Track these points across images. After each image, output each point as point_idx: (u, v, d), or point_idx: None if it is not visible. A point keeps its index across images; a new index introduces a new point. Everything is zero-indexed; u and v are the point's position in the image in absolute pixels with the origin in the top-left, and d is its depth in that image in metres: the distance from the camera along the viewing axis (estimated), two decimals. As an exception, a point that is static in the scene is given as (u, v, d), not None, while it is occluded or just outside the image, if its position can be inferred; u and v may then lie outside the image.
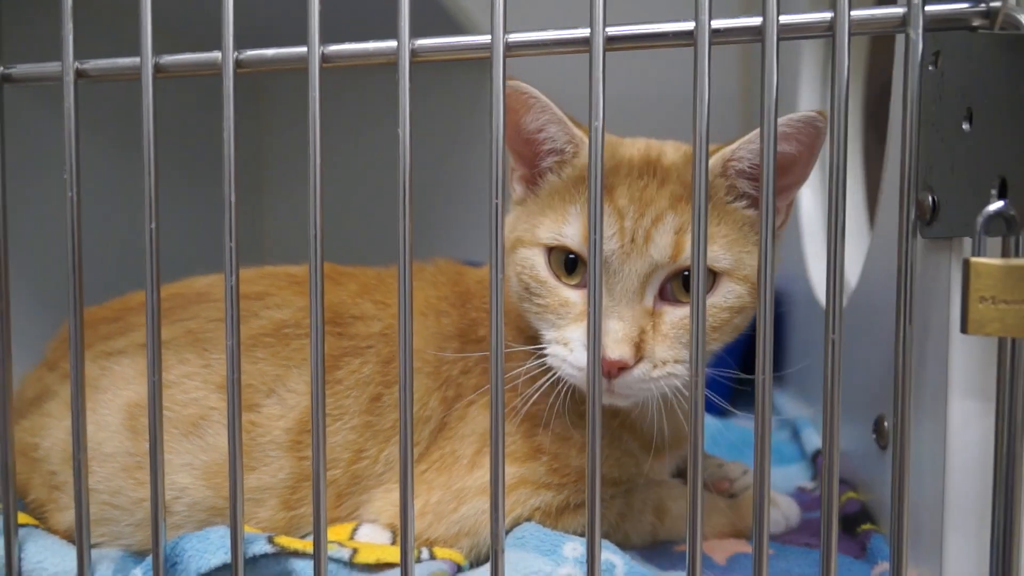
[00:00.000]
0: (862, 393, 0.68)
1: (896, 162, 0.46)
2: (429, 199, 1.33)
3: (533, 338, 0.57)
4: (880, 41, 0.92)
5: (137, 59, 0.49)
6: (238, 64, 0.48)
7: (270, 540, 0.51)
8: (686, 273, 0.51)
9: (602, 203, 0.43)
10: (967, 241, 0.45)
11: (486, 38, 0.45)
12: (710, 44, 0.42)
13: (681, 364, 0.51)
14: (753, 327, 0.42)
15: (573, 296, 0.53)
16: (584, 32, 0.43)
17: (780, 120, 0.49)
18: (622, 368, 0.50)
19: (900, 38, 0.50)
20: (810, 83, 1.05)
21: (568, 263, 0.54)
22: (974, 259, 0.37)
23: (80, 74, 0.50)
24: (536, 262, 0.55)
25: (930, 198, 0.46)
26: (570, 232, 0.53)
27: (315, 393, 0.47)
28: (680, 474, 0.65)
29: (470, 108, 1.35)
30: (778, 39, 0.41)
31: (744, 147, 0.52)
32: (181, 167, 1.18)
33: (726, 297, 0.53)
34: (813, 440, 0.83)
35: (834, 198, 0.41)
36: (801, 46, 1.04)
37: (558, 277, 0.54)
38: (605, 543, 0.51)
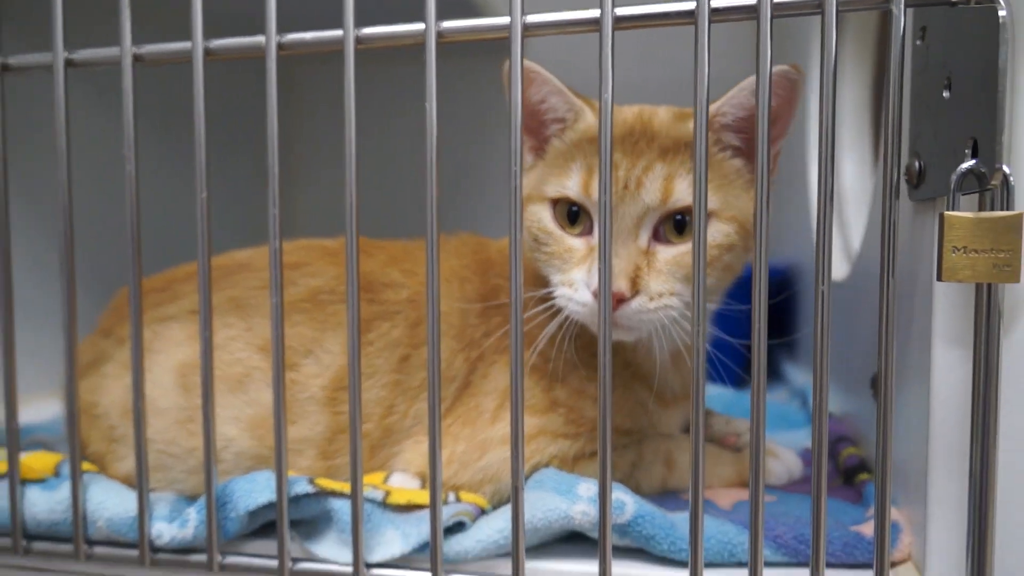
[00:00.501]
0: (862, 358, 0.72)
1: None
2: (448, 179, 1.39)
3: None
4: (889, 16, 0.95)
5: (188, 44, 0.54)
6: (280, 47, 0.52)
7: (311, 482, 0.56)
8: (677, 216, 0.57)
9: (611, 160, 0.47)
10: (951, 201, 0.49)
11: (505, 19, 0.49)
12: (709, 22, 0.46)
13: (676, 296, 0.56)
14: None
15: (576, 243, 0.59)
16: (595, 13, 0.48)
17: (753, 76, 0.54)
18: (621, 300, 0.55)
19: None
20: (852, 65, 1.06)
21: (571, 215, 0.59)
22: (947, 213, 0.41)
23: (137, 58, 0.55)
24: (543, 216, 0.60)
25: (917, 163, 0.50)
26: (571, 184, 0.59)
27: (352, 352, 0.52)
28: (688, 430, 0.69)
29: (483, 98, 1.40)
30: (772, 16, 0.45)
31: (728, 103, 0.57)
32: (215, 151, 1.24)
33: (714, 236, 0.58)
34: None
35: (823, 162, 0.45)
36: (844, 25, 1.05)
37: (562, 228, 0.60)
38: (616, 484, 0.56)
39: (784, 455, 0.69)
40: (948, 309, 0.48)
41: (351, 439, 0.52)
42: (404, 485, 0.61)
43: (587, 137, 0.60)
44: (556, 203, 0.60)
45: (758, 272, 0.44)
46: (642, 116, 0.61)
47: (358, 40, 0.51)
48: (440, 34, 0.50)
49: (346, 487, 0.56)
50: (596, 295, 0.55)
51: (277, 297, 0.53)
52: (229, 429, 0.62)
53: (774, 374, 1.16)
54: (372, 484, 0.59)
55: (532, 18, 0.49)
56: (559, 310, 0.59)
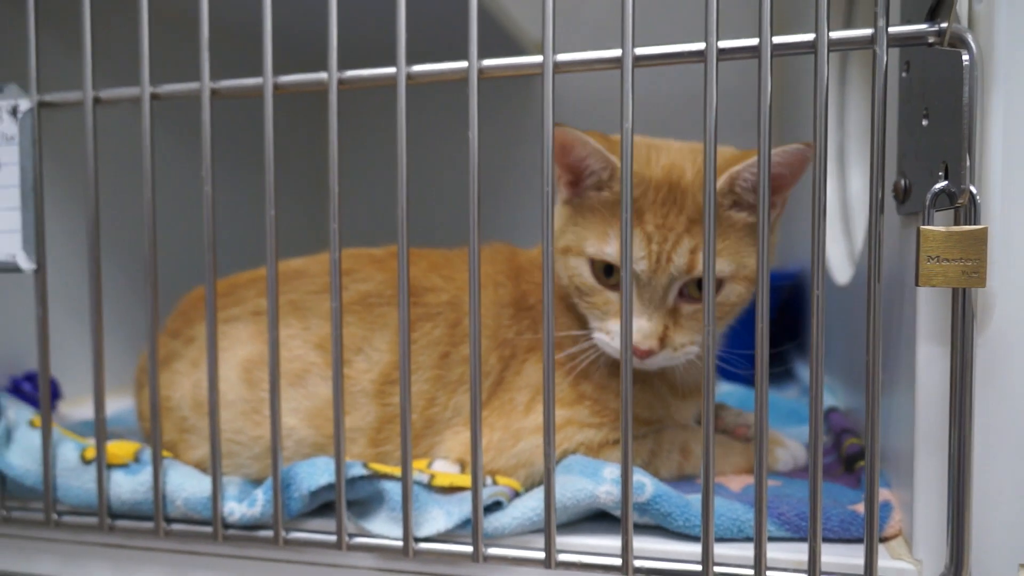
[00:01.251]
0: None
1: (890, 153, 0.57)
2: (483, 195, 1.47)
3: (581, 314, 0.71)
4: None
5: (260, 79, 0.61)
6: (341, 82, 0.60)
7: (365, 466, 0.63)
8: (699, 278, 0.66)
9: (632, 223, 0.55)
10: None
11: (539, 58, 0.56)
12: (717, 61, 0.53)
13: (695, 345, 0.66)
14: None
15: (613, 296, 0.68)
16: (617, 52, 0.55)
17: (776, 150, 0.61)
18: (650, 352, 0.65)
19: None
20: (859, 90, 1.11)
21: (607, 268, 0.68)
22: (923, 227, 0.47)
23: (214, 92, 0.63)
24: (583, 271, 0.69)
25: (903, 181, 0.56)
26: (610, 251, 0.67)
27: (402, 349, 0.59)
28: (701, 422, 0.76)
29: (511, 115, 1.48)
30: (772, 56, 0.52)
31: (747, 168, 0.63)
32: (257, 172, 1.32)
33: (728, 296, 0.67)
34: (828, 402, 0.92)
35: (816, 187, 0.51)
36: (851, 56, 1.11)
37: (598, 279, 0.68)
38: (636, 468, 0.62)
39: (790, 444, 0.75)
40: (930, 311, 0.54)
41: (402, 427, 0.59)
42: (445, 470, 0.68)
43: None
44: (594, 260, 0.68)
45: (761, 277, 0.51)
46: (671, 175, 0.67)
47: (409, 76, 0.59)
48: (481, 71, 0.57)
49: (396, 470, 0.64)
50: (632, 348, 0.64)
51: (337, 301, 0.60)
52: (290, 419, 0.69)
53: (787, 374, 1.22)
54: (418, 468, 0.66)
55: (562, 57, 0.56)
56: (595, 346, 0.69)
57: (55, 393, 1.07)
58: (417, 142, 1.54)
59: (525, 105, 1.54)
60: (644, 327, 0.65)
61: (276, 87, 0.61)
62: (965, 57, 0.46)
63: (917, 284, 0.48)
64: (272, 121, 0.61)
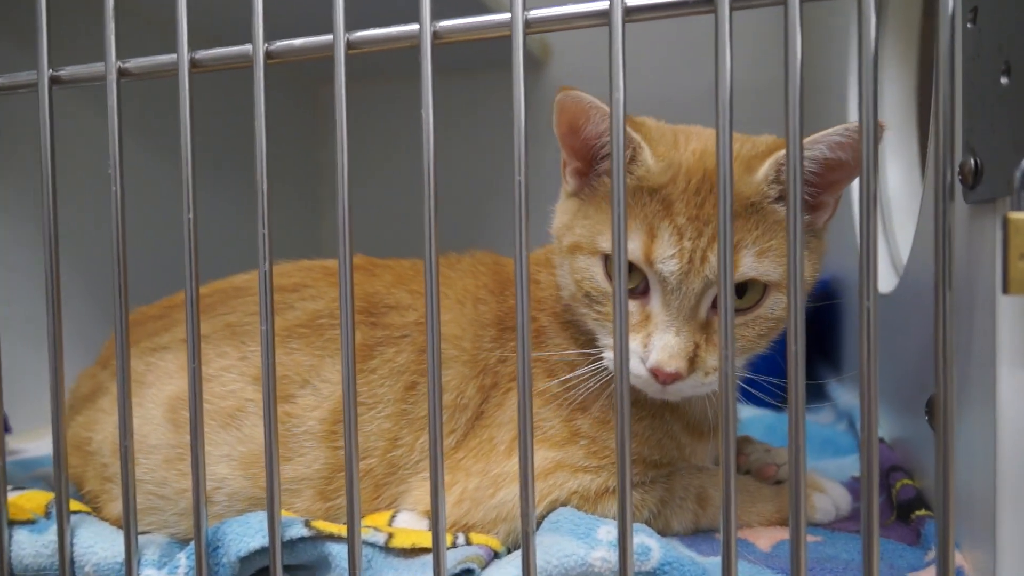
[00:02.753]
0: (914, 378, 0.65)
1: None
2: (474, 197, 1.36)
3: (586, 333, 0.60)
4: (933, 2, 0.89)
5: (175, 56, 0.50)
6: (268, 55, 0.49)
7: (307, 524, 0.52)
8: (740, 282, 0.53)
9: (625, 214, 0.42)
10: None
11: (506, 16, 0.45)
12: (731, 10, 0.41)
13: None
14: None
15: (632, 306, 0.54)
16: (604, 4, 0.43)
17: (837, 128, 0.50)
18: (676, 377, 0.52)
19: None
20: (894, 56, 0.99)
21: None
22: (1012, 214, 0.35)
23: (122, 73, 0.52)
24: (595, 272, 0.56)
25: (972, 160, 0.44)
26: (632, 247, 0.53)
27: (346, 380, 0.47)
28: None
29: (511, 113, 1.36)
30: (801, 2, 0.40)
31: None
32: (229, 172, 1.22)
33: (773, 308, 0.54)
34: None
35: (867, 171, 0.39)
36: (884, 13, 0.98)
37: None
38: (640, 526, 0.51)
39: (830, 488, 0.63)
40: (1013, 324, 0.42)
41: (347, 476, 0.47)
42: (411, 526, 0.57)
43: (647, 186, 0.54)
44: (609, 258, 0.55)
45: (794, 301, 0.39)
46: (704, 163, 0.55)
47: (349, 44, 0.48)
48: (436, 35, 0.46)
49: (344, 529, 0.52)
50: (653, 372, 0.52)
51: (268, 324, 0.49)
52: (221, 468, 0.58)
53: (818, 393, 1.09)
54: (375, 526, 0.54)
55: (535, 13, 0.44)
56: (605, 369, 0.56)
57: (4, 428, 0.97)
58: (397, 135, 1.43)
59: (530, 93, 1.43)
60: (671, 344, 0.52)
61: (193, 63, 0.50)
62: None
63: (1006, 291, 0.36)
64: (188, 104, 0.50)
